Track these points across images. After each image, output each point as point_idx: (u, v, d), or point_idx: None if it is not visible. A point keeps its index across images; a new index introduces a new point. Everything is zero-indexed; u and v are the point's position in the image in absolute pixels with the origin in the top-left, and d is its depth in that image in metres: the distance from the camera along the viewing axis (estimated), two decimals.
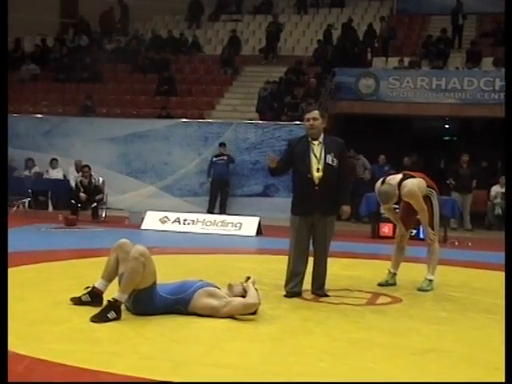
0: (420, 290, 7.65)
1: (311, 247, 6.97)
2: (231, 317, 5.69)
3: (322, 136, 6.91)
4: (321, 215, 6.80)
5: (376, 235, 13.65)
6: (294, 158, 6.89)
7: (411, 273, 8.89)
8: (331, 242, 7.02)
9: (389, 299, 7.05)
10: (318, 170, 6.74)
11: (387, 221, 13.52)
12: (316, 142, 6.85)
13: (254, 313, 5.86)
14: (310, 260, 6.98)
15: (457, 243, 12.87)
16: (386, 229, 13.58)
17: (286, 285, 6.87)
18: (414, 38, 22.78)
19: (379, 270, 8.50)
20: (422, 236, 13.18)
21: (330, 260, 8.03)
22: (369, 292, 7.36)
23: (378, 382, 4.27)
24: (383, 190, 7.62)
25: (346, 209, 6.90)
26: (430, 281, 7.77)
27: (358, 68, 19.66)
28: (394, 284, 7.89)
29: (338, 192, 6.85)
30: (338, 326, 5.67)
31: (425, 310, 6.55)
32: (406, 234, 8.12)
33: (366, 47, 21.48)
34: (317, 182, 6.74)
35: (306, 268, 6.89)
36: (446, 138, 22.70)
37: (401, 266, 8.11)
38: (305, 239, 6.85)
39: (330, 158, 6.77)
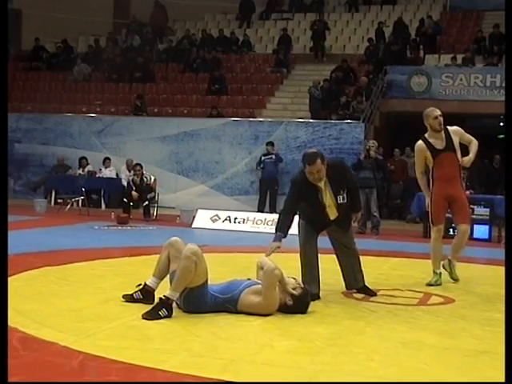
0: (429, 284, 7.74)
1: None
2: (283, 313, 5.72)
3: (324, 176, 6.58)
4: (338, 228, 6.80)
5: (428, 235, 13.41)
6: (304, 203, 6.65)
7: (464, 273, 8.76)
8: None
9: (441, 299, 6.96)
10: (332, 211, 6.62)
11: None
12: (322, 183, 6.53)
13: (305, 312, 5.87)
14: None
15: None
16: None
17: None
18: (467, 34, 22.43)
19: (431, 269, 8.39)
20: (475, 236, 13.08)
21: (381, 259, 8.00)
22: (420, 292, 7.28)
23: (428, 382, 4.23)
24: None
25: (357, 215, 6.92)
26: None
27: (410, 66, 19.48)
28: (441, 284, 7.79)
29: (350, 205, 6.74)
30: (389, 326, 5.62)
31: (478, 311, 6.44)
32: (440, 230, 8.02)
33: (418, 45, 21.23)
34: (332, 218, 6.67)
35: (318, 272, 6.77)
36: (501, 136, 22.29)
37: (455, 267, 8.01)
38: (315, 252, 6.78)
39: (340, 198, 6.59)
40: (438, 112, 7.84)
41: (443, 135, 7.80)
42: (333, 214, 6.64)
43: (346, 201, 6.63)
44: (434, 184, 7.88)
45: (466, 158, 7.81)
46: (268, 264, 5.77)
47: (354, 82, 19.48)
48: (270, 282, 5.70)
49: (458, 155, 7.79)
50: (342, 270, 6.99)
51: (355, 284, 6.94)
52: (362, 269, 6.99)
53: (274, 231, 6.71)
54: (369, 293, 6.89)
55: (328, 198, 6.58)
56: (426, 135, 7.89)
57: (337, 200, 6.59)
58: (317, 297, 6.55)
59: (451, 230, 12.33)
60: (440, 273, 7.87)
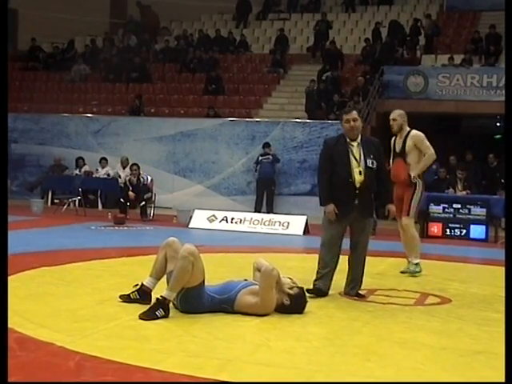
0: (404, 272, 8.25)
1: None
2: (280, 313, 5.73)
3: (359, 137, 6.81)
4: (360, 216, 6.74)
5: (425, 235, 13.48)
6: (333, 161, 6.74)
7: (461, 273, 8.80)
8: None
9: (437, 299, 6.96)
10: (359, 173, 6.65)
11: (436, 220, 13.40)
12: (355, 144, 6.74)
13: (301, 312, 5.88)
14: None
15: None
16: (434, 228, 13.43)
17: (315, 280, 6.78)
18: (464, 34, 22.46)
19: (428, 269, 8.41)
20: (471, 236, 13.11)
21: (378, 259, 8.02)
22: (417, 292, 7.28)
23: (425, 382, 4.23)
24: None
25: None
26: (416, 264, 8.25)
27: (406, 66, 19.51)
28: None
29: (379, 192, 6.83)
30: (386, 326, 5.62)
31: (474, 311, 6.46)
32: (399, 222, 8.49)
33: (414, 45, 21.23)
34: (358, 185, 6.65)
35: (335, 267, 6.80)
36: (498, 136, 22.33)
37: (450, 267, 8.03)
38: (338, 240, 6.78)
39: (370, 162, 6.69)
40: (392, 115, 8.33)
41: (403, 138, 8.25)
42: (359, 177, 6.63)
43: (374, 167, 6.69)
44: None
45: (411, 173, 8.18)
46: (266, 265, 5.77)
47: (346, 77, 19.49)
48: (268, 282, 5.70)
49: (408, 158, 8.20)
50: (348, 275, 6.92)
51: (350, 294, 6.86)
52: (363, 278, 6.94)
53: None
54: (359, 296, 6.85)
55: (358, 157, 6.68)
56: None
57: (366, 162, 6.67)
58: (324, 294, 6.67)
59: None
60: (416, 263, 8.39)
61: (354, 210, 6.68)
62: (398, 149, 8.29)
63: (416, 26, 21.51)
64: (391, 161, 8.47)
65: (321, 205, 6.78)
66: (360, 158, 6.69)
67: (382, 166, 6.89)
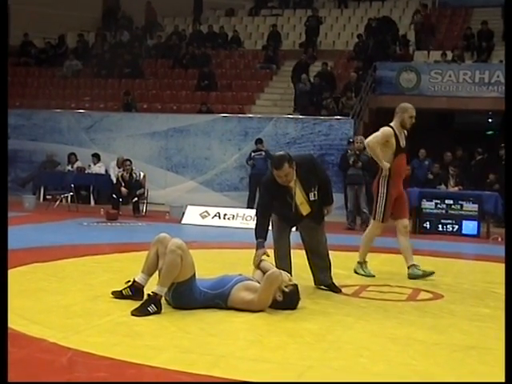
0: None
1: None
2: (272, 309, 5.73)
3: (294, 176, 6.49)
4: (309, 223, 6.77)
5: (417, 231, 13.52)
6: (277, 203, 6.57)
7: (453, 268, 8.82)
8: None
9: (430, 295, 6.98)
10: (305, 208, 6.60)
11: (428, 216, 13.43)
12: (292, 183, 6.50)
13: (294, 308, 5.87)
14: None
15: (500, 239, 12.67)
16: (426, 224, 13.46)
17: None
18: (456, 31, 22.48)
19: (420, 265, 8.41)
20: (463, 232, 13.16)
21: (370, 255, 8.01)
22: (409, 288, 7.30)
23: (421, 382, 4.24)
24: None
25: (329, 207, 6.85)
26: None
27: (399, 62, 19.53)
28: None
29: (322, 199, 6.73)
30: (378, 322, 5.63)
31: (466, 307, 6.47)
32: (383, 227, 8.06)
33: (406, 41, 21.23)
34: (305, 214, 6.64)
35: (290, 264, 6.80)
36: (490, 132, 22.39)
37: (443, 262, 8.03)
38: (287, 240, 6.84)
39: (312, 195, 6.57)
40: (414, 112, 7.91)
41: (404, 135, 7.90)
42: (306, 209, 6.63)
43: (317, 198, 6.62)
44: (389, 181, 7.76)
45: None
46: (274, 269, 5.81)
47: (339, 73, 19.49)
48: (271, 286, 5.73)
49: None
50: (310, 267, 7.01)
51: (324, 280, 6.92)
52: (331, 266, 6.96)
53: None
54: (335, 290, 6.86)
55: (299, 197, 6.55)
56: (394, 127, 7.81)
57: (308, 197, 6.59)
58: None
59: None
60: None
61: (303, 220, 6.75)
62: (403, 144, 7.82)
63: (391, 21, 21.53)
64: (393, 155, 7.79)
65: (256, 239, 6.46)
66: (302, 194, 6.55)
67: (321, 180, 6.69)
